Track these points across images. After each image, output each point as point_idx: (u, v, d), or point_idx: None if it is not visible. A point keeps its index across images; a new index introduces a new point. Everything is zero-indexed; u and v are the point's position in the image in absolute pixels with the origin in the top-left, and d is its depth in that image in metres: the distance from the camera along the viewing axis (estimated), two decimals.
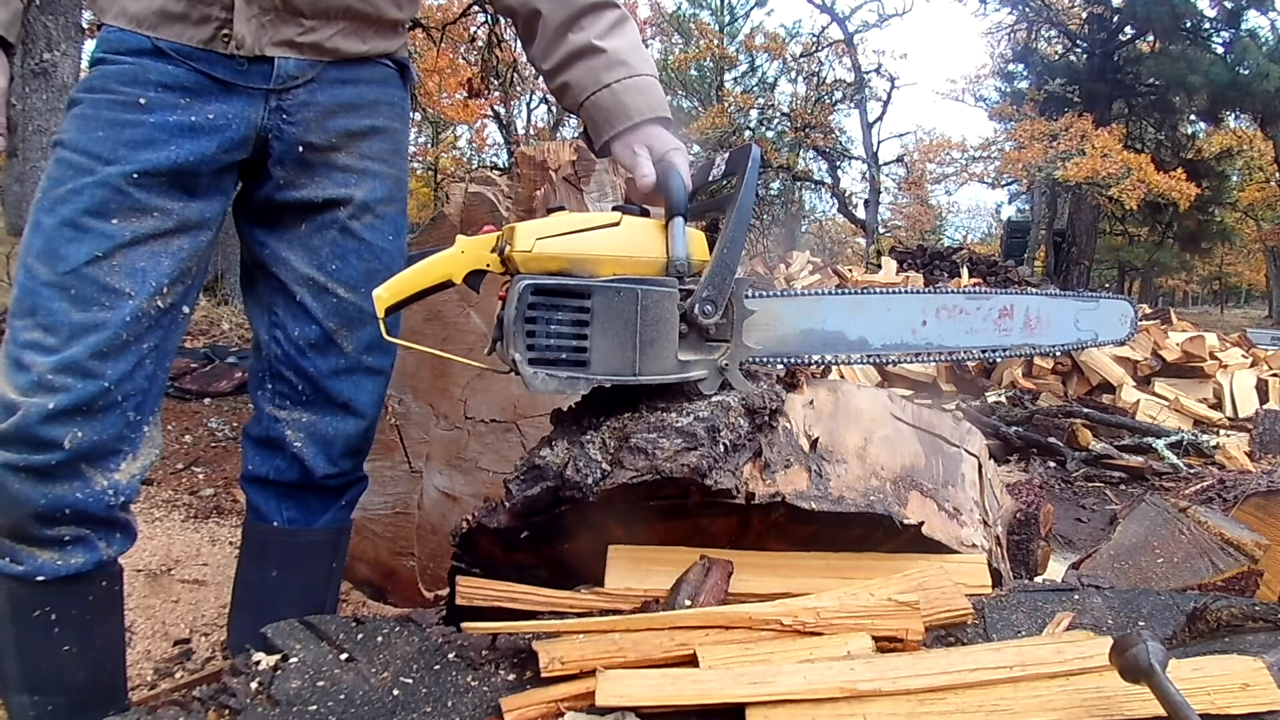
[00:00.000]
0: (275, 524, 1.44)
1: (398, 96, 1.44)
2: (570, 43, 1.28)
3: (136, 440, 1.25)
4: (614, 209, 1.12)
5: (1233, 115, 20.73)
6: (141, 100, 1.21)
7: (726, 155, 1.18)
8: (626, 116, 1.25)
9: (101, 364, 1.18)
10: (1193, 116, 21.35)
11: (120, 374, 1.20)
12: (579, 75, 1.28)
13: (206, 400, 5.14)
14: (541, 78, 1.38)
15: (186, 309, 1.31)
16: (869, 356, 1.26)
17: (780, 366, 1.22)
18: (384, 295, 1.12)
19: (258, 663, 0.85)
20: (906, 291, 1.30)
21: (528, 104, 23.48)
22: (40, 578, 1.19)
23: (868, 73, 23.72)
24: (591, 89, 1.27)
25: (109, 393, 1.19)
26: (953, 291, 1.32)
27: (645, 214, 1.14)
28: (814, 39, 24.33)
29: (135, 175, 1.20)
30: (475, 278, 1.12)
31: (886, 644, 0.85)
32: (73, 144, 1.20)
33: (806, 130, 22.92)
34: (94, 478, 1.20)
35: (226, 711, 0.78)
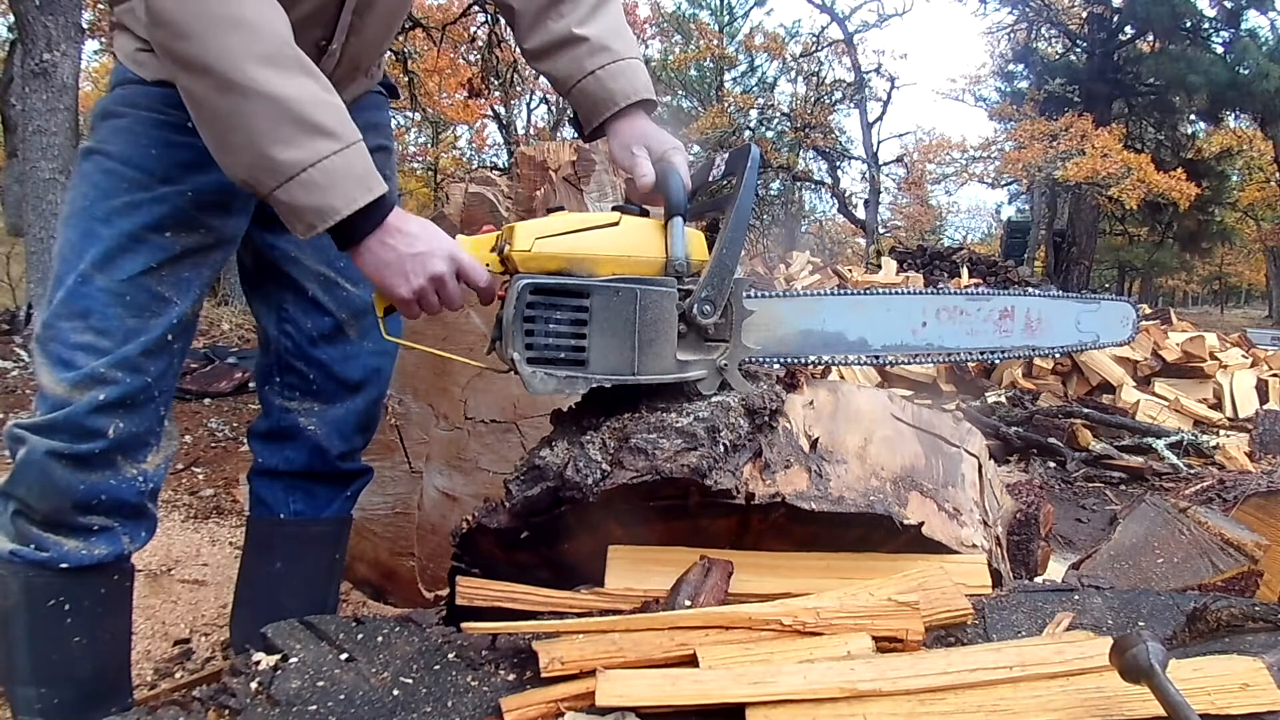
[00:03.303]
0: (282, 516, 1.51)
1: (388, 117, 1.59)
2: (550, 31, 1.31)
3: (160, 433, 1.31)
4: (613, 209, 1.12)
5: (1233, 115, 20.70)
6: (189, 124, 1.22)
7: (726, 155, 1.18)
8: (612, 102, 1.27)
9: (147, 361, 1.25)
10: (1193, 116, 21.32)
11: (159, 371, 1.27)
12: (563, 64, 1.30)
13: (206, 400, 5.14)
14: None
15: (200, 310, 1.38)
16: (869, 357, 1.26)
17: (778, 366, 1.22)
18: (382, 296, 1.13)
19: (258, 663, 0.85)
20: (907, 292, 1.30)
21: (528, 104, 23.46)
22: (63, 565, 1.23)
23: (868, 73, 23.71)
24: (576, 77, 1.29)
25: (149, 388, 1.26)
26: (953, 292, 1.32)
27: (645, 214, 1.14)
28: (814, 39, 24.31)
29: (190, 194, 1.26)
30: None
31: (886, 644, 0.85)
32: (123, 158, 1.24)
33: (806, 130, 22.90)
34: (125, 467, 1.27)
35: (226, 711, 0.78)
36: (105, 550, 1.26)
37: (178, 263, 1.27)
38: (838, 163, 24.61)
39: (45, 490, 1.22)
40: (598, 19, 1.29)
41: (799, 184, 25.91)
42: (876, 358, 1.26)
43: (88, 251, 1.22)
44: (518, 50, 1.46)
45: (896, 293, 1.30)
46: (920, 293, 1.30)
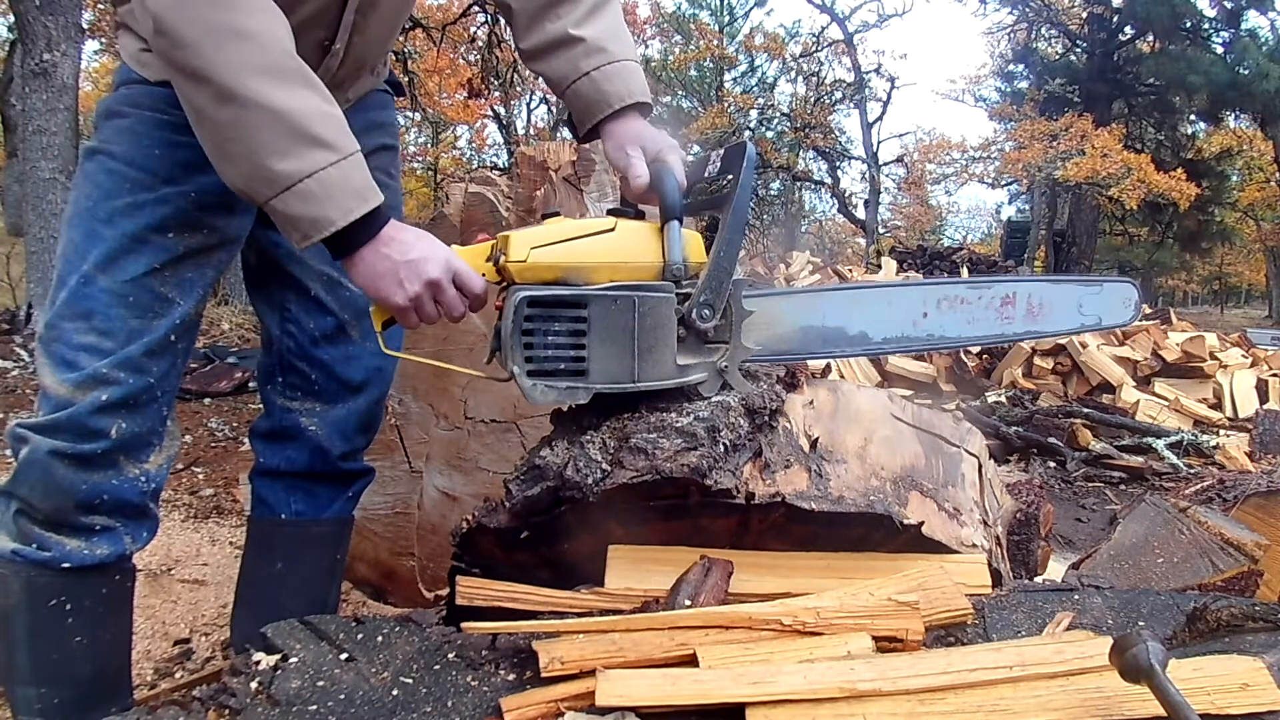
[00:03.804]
0: (283, 516, 1.51)
1: (394, 116, 1.58)
2: (546, 32, 1.31)
3: (163, 433, 1.31)
4: (609, 212, 1.12)
5: (1233, 115, 20.70)
6: None
7: (721, 152, 1.17)
8: (607, 103, 1.27)
9: (150, 361, 1.25)
10: (1193, 116, 21.31)
11: (162, 371, 1.27)
12: (558, 65, 1.30)
13: (206, 400, 5.14)
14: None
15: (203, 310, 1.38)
16: (869, 351, 1.25)
17: (779, 366, 1.22)
18: (379, 310, 1.12)
19: (258, 663, 0.85)
20: (906, 283, 1.29)
21: (528, 104, 23.45)
22: (65, 565, 1.23)
23: (867, 73, 23.70)
24: (571, 78, 1.29)
25: (152, 388, 1.26)
26: (953, 281, 1.32)
27: (640, 215, 1.13)
28: (814, 39, 24.30)
29: (193, 195, 1.26)
30: None
31: (886, 644, 0.85)
32: (125, 158, 1.24)
33: (806, 130, 22.89)
34: (128, 467, 1.27)
35: (226, 711, 0.78)
36: (107, 550, 1.26)
37: (180, 263, 1.27)
38: (838, 163, 24.60)
39: (48, 490, 1.22)
40: (595, 20, 1.29)
41: (799, 184, 25.89)
42: (878, 351, 1.26)
43: (90, 252, 1.22)
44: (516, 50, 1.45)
45: (896, 284, 1.29)
46: (920, 283, 1.30)
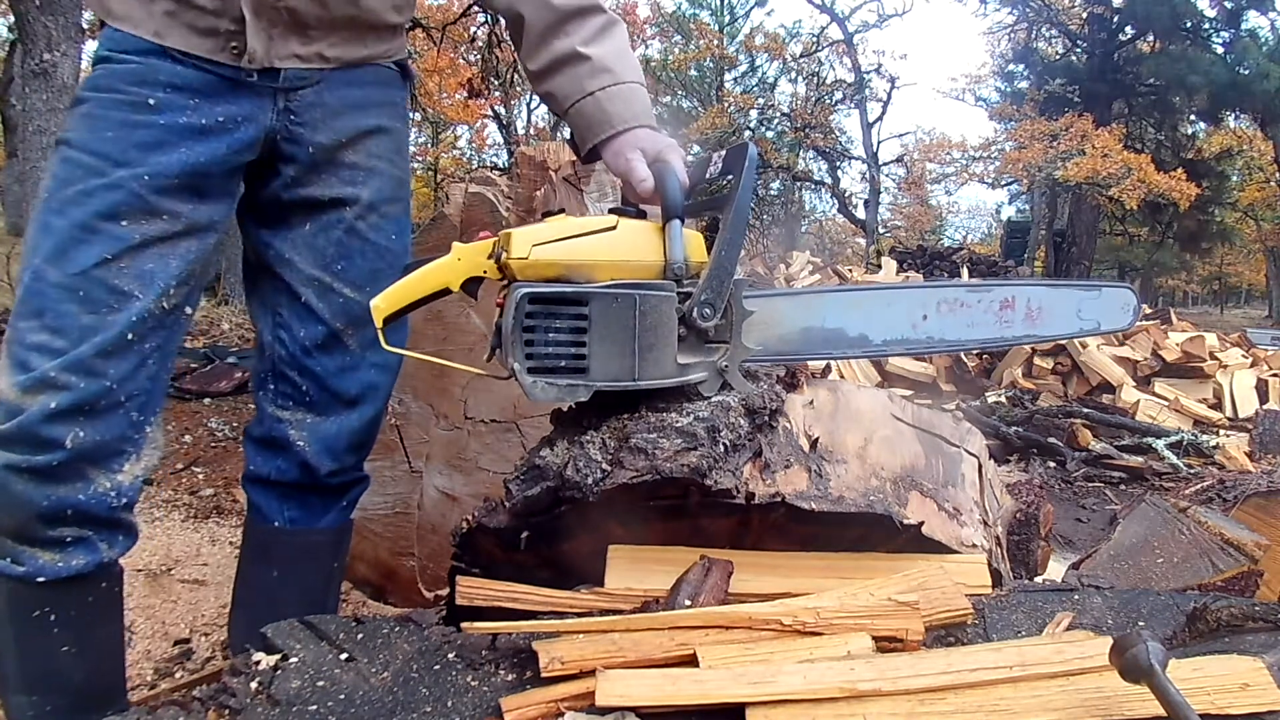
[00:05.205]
0: (277, 524, 1.45)
1: (399, 97, 1.46)
2: (554, 49, 1.28)
3: (140, 441, 1.24)
4: (610, 211, 1.11)
5: (1233, 115, 20.71)
6: (151, 101, 1.20)
7: (723, 153, 1.17)
8: (609, 125, 1.24)
9: (105, 363, 1.17)
10: (1193, 116, 21.32)
11: (123, 374, 1.19)
12: (563, 83, 1.27)
13: (206, 400, 5.14)
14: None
15: (189, 310, 1.31)
16: (870, 353, 1.25)
17: (777, 364, 1.22)
18: (381, 305, 1.11)
19: (258, 663, 0.85)
20: (906, 286, 1.30)
21: (528, 104, 23.43)
22: (41, 579, 1.19)
23: (868, 73, 23.73)
24: (575, 96, 1.26)
25: (112, 392, 1.18)
26: (953, 284, 1.32)
27: (642, 215, 1.13)
28: (814, 39, 24.34)
29: (146, 178, 1.19)
30: (473, 284, 1.11)
31: (886, 644, 0.85)
32: (81, 144, 1.19)
33: (806, 130, 22.91)
34: (96, 479, 1.20)
35: (226, 711, 0.78)
36: (84, 560, 1.21)
37: (138, 253, 1.19)
38: (838, 163, 24.63)
39: (7, 505, 1.16)
40: (603, 41, 1.27)
41: (799, 184, 25.92)
42: (877, 353, 1.26)
43: (42, 245, 1.16)
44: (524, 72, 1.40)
45: (896, 287, 1.29)
46: (920, 286, 1.30)
